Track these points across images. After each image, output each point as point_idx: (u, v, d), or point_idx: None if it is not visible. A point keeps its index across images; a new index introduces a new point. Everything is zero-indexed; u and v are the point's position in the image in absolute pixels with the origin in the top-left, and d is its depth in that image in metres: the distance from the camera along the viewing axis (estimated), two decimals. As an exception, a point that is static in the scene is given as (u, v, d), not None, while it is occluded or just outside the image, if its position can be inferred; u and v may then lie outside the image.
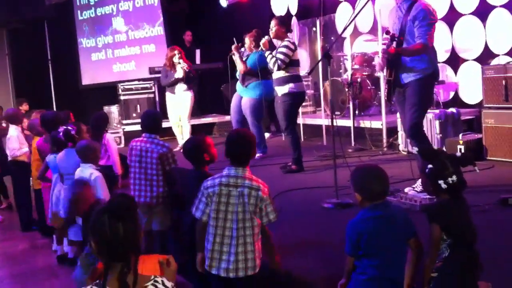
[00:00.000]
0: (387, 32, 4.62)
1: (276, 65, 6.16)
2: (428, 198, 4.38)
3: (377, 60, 4.78)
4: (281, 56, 6.14)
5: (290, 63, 6.22)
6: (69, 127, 5.05)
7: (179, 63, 7.97)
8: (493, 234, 3.55)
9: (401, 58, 4.62)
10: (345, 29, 4.88)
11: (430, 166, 2.55)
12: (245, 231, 3.01)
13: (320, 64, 8.24)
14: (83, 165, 4.64)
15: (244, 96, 7.24)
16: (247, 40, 7.28)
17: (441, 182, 2.50)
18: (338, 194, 4.73)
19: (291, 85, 6.20)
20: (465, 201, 2.62)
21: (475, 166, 2.65)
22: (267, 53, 6.30)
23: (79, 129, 5.14)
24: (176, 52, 8.07)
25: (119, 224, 1.96)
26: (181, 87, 8.18)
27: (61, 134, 5.05)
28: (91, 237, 2.01)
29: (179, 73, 8.00)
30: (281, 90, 6.26)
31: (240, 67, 7.14)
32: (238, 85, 7.38)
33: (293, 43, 6.30)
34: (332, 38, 9.33)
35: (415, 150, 2.67)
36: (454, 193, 2.56)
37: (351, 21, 4.86)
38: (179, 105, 8.25)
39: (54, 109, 10.84)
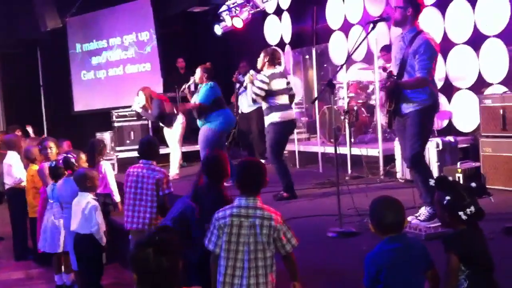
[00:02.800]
0: (384, 69, 4.68)
1: (251, 98, 6.30)
2: (432, 227, 4.41)
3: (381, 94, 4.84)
4: (255, 90, 6.19)
5: (270, 94, 6.19)
6: (69, 155, 5.04)
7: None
8: (502, 263, 3.55)
9: (401, 89, 4.67)
10: (353, 52, 4.95)
11: (447, 197, 2.56)
12: (257, 263, 2.98)
13: (315, 92, 8.35)
14: (81, 194, 4.63)
15: (200, 126, 7.17)
16: (198, 71, 7.28)
17: (461, 213, 2.51)
18: (341, 223, 4.72)
19: (273, 115, 6.21)
20: (481, 230, 2.63)
21: (490, 196, 2.67)
22: (249, 86, 6.36)
23: (78, 157, 5.12)
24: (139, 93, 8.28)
25: (163, 258, 1.98)
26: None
27: (61, 162, 5.03)
28: (133, 270, 2.02)
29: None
30: (267, 120, 6.32)
31: (194, 114, 7.13)
32: (199, 121, 7.31)
33: (270, 75, 6.19)
34: (325, 65, 9.44)
35: (431, 182, 2.68)
36: (472, 223, 2.57)
37: (359, 45, 4.92)
38: (170, 131, 8.27)
39: (46, 135, 10.78)
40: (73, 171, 4.96)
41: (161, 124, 8.49)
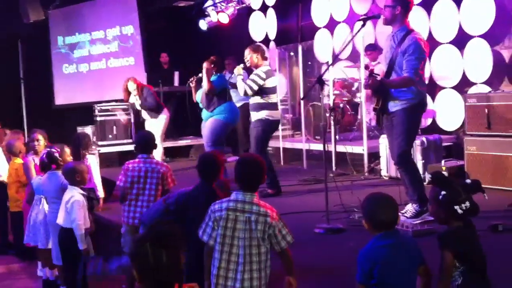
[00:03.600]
0: (366, 67, 4.70)
1: (243, 90, 6.23)
2: (419, 223, 4.45)
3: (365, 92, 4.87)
4: (250, 83, 6.20)
5: (264, 91, 6.23)
6: (53, 149, 4.95)
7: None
8: (488, 260, 3.59)
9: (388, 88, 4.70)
10: (343, 49, 4.97)
11: (443, 192, 2.58)
12: (251, 258, 2.98)
13: (301, 89, 8.36)
14: (70, 187, 4.57)
15: (205, 120, 7.09)
16: (205, 65, 7.25)
17: (457, 207, 2.53)
18: (329, 219, 4.73)
19: (265, 112, 6.23)
20: (475, 227, 2.65)
21: (484, 193, 2.69)
22: (238, 78, 6.35)
23: (62, 151, 5.03)
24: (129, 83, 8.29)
25: (162, 252, 1.94)
26: (146, 114, 8.35)
27: (44, 156, 4.95)
28: (133, 265, 1.98)
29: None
30: (255, 116, 6.30)
31: (205, 86, 7.08)
32: (204, 112, 7.29)
33: (266, 72, 6.26)
34: (309, 62, 9.46)
35: (427, 177, 2.70)
36: (467, 219, 2.59)
37: (349, 42, 4.96)
38: (152, 126, 8.22)
39: (25, 129, 10.63)
40: (57, 165, 4.88)
41: (146, 116, 8.39)
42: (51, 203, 4.89)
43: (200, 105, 7.20)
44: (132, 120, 10.12)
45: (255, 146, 6.25)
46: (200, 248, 3.12)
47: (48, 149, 4.98)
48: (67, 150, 5.05)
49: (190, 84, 7.23)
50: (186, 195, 3.73)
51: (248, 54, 6.37)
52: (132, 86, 8.26)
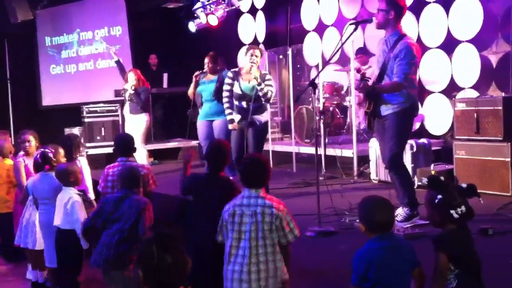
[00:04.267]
0: (358, 70, 4.74)
1: (272, 98, 6.10)
2: (410, 227, 4.49)
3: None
4: (272, 89, 6.03)
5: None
6: (47, 150, 4.92)
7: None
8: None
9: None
10: (335, 53, 4.98)
11: (439, 196, 2.61)
12: (257, 250, 3.05)
13: (290, 92, 8.38)
14: (65, 188, 4.55)
15: (216, 118, 7.17)
16: (206, 61, 7.28)
17: (452, 212, 2.56)
18: (320, 222, 4.75)
19: (266, 113, 6.28)
20: (470, 231, 2.68)
21: (479, 197, 2.73)
22: (260, 86, 5.96)
23: (56, 152, 4.99)
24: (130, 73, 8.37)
25: (166, 254, 1.98)
26: (128, 109, 8.35)
27: (38, 156, 4.91)
28: (139, 266, 2.01)
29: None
30: (259, 119, 6.26)
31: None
32: (205, 110, 7.32)
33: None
34: (298, 65, 9.49)
35: (424, 181, 2.73)
36: (462, 223, 2.62)
37: (340, 47, 4.98)
38: (133, 128, 8.18)
39: (12, 130, 10.53)
40: (51, 166, 4.85)
41: (127, 112, 8.36)
42: (42, 204, 4.85)
43: (206, 98, 7.20)
44: (120, 122, 10.08)
45: (257, 148, 6.15)
46: (200, 243, 3.19)
47: (42, 150, 4.94)
48: (61, 151, 5.02)
49: (194, 78, 7.24)
50: (193, 179, 3.88)
51: (259, 58, 6.11)
52: (132, 77, 8.27)
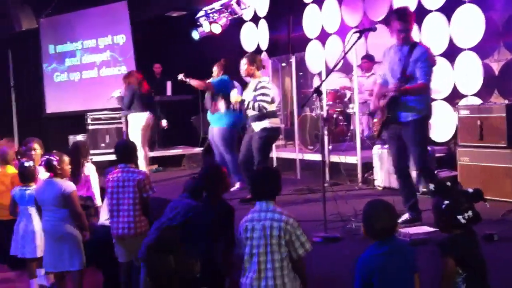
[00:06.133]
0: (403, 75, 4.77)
1: (264, 109, 6.25)
2: (416, 233, 4.52)
3: (371, 106, 4.95)
4: (266, 98, 6.25)
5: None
6: (52, 157, 4.95)
7: None
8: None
9: (401, 97, 4.80)
10: (340, 60, 5.06)
11: (446, 202, 2.65)
12: (266, 265, 3.03)
13: (294, 99, 8.43)
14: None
15: (213, 126, 7.28)
16: (215, 69, 7.39)
17: (459, 217, 2.60)
18: (326, 228, 4.79)
19: (267, 121, 6.32)
20: (476, 234, 2.72)
21: (485, 202, 2.76)
22: (246, 102, 6.34)
23: (61, 159, 5.02)
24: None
25: (170, 257, 1.99)
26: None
27: (43, 164, 4.94)
28: (146, 272, 2.03)
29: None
30: (258, 126, 6.35)
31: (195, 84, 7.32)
32: (209, 115, 7.43)
33: (269, 82, 6.47)
34: (301, 73, 9.54)
35: (430, 186, 2.77)
36: (468, 227, 2.65)
37: (345, 55, 5.06)
38: (131, 130, 8.23)
39: (16, 137, 10.59)
40: (55, 174, 4.87)
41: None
42: (48, 211, 4.86)
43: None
44: (124, 129, 10.12)
45: (259, 155, 6.28)
46: (207, 260, 3.17)
47: (47, 157, 4.97)
48: (66, 158, 5.04)
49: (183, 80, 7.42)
50: (195, 212, 3.71)
51: (244, 65, 6.45)
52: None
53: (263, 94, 6.25)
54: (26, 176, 5.15)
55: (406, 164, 5.14)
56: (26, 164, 5.16)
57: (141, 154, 8.17)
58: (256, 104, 6.25)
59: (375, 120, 5.12)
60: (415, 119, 4.83)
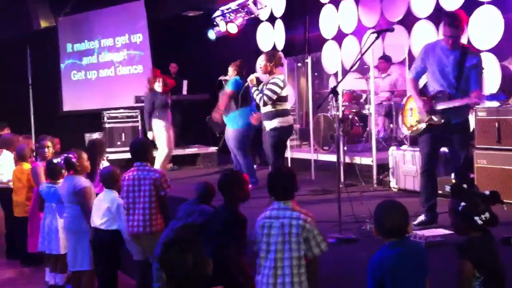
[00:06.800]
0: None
1: (262, 101, 6.25)
2: (432, 235, 4.48)
3: (420, 105, 4.90)
4: (268, 93, 6.24)
5: (279, 99, 6.32)
6: (70, 155, 5.00)
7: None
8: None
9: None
10: (357, 60, 5.02)
11: (463, 204, 2.62)
12: (283, 262, 3.05)
13: (309, 99, 8.42)
14: (106, 191, 4.72)
15: (229, 127, 7.27)
16: (230, 69, 7.39)
17: (476, 218, 2.58)
18: (341, 229, 4.77)
19: (278, 119, 6.31)
20: (494, 237, 2.69)
21: (503, 204, 2.74)
22: (253, 88, 6.40)
23: (79, 156, 5.07)
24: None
25: (187, 255, 2.00)
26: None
27: (62, 161, 5.00)
28: (162, 269, 2.03)
29: None
30: (269, 125, 6.35)
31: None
32: (223, 116, 7.42)
33: (283, 81, 6.38)
34: (316, 73, 9.52)
35: (447, 189, 2.75)
36: (486, 230, 2.63)
37: (362, 55, 5.04)
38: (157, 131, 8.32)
39: (33, 134, 10.67)
40: (75, 171, 4.94)
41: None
42: (67, 207, 4.93)
43: None
44: (140, 128, 10.18)
45: (273, 154, 6.27)
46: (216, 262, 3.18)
47: (66, 155, 5.03)
48: (84, 155, 5.09)
49: (223, 81, 7.38)
50: (208, 217, 3.75)
51: (262, 61, 6.43)
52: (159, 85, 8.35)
53: (270, 89, 6.24)
54: (54, 172, 5.18)
55: (435, 165, 5.18)
56: (55, 160, 5.20)
57: (163, 153, 8.21)
58: (259, 97, 6.26)
59: (408, 115, 5.08)
60: (464, 120, 4.95)
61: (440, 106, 4.79)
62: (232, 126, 7.15)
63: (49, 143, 5.94)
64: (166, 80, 8.37)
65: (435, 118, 4.86)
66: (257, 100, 6.35)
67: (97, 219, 4.64)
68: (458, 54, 4.79)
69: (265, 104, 6.28)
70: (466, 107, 4.89)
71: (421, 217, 4.94)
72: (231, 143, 7.18)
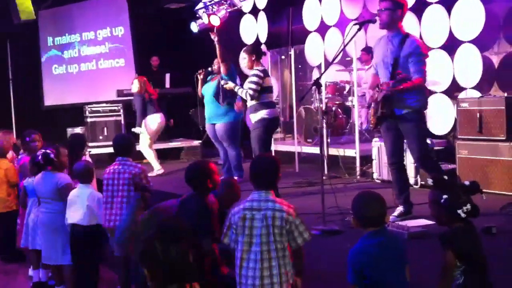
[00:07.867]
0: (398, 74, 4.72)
1: (248, 95, 6.23)
2: (414, 226, 4.52)
3: (370, 94, 4.90)
4: (252, 86, 6.20)
5: (262, 90, 6.29)
6: (48, 150, 4.92)
7: None
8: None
9: (396, 94, 4.76)
10: (339, 53, 5.01)
11: (445, 196, 2.63)
12: (269, 254, 3.02)
13: (293, 92, 8.41)
14: (82, 186, 4.65)
15: (217, 122, 7.22)
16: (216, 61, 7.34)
17: (459, 211, 2.59)
18: (325, 221, 4.78)
19: (264, 111, 6.27)
20: (475, 227, 2.71)
21: (482, 194, 2.75)
22: (236, 88, 6.42)
23: (58, 152, 5.00)
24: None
25: (170, 247, 1.96)
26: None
27: (40, 157, 4.92)
28: (143, 265, 1.99)
29: None
30: (254, 117, 6.32)
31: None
32: (207, 112, 7.36)
33: (263, 70, 6.35)
34: (300, 66, 9.51)
35: (429, 181, 2.75)
36: (467, 220, 2.64)
37: (344, 47, 5.02)
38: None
39: (14, 130, 10.55)
40: (53, 167, 4.86)
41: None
42: (45, 203, 4.87)
43: (207, 99, 7.24)
44: (123, 122, 10.10)
45: (259, 147, 6.22)
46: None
47: (44, 151, 4.95)
48: (63, 151, 5.02)
49: (198, 76, 7.29)
50: (178, 207, 3.70)
51: (244, 57, 6.40)
52: (134, 86, 8.39)
53: (251, 82, 6.21)
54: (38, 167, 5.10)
55: (401, 158, 5.13)
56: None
57: (152, 155, 8.23)
58: (244, 92, 6.26)
59: (370, 111, 5.08)
60: (411, 111, 4.81)
61: (379, 97, 4.80)
62: (222, 120, 7.11)
63: (37, 137, 5.87)
64: (148, 90, 8.44)
65: (380, 110, 4.86)
66: (243, 96, 6.33)
67: (76, 215, 4.58)
68: (397, 41, 4.77)
69: (252, 98, 6.23)
70: (412, 97, 4.79)
71: (400, 208, 4.96)
72: (223, 137, 7.13)
